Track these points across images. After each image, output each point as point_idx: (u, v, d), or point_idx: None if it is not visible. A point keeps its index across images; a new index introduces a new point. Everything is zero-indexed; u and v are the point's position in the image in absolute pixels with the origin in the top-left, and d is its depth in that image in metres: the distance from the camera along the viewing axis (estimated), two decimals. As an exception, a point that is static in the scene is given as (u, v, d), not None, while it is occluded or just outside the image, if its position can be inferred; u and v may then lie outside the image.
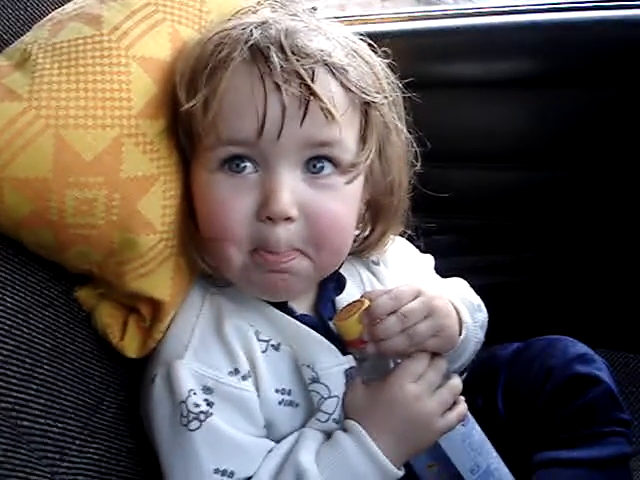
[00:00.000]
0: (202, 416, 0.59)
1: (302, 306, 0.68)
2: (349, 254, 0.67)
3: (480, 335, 0.72)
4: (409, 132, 0.68)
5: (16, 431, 0.53)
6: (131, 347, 0.64)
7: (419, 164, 0.70)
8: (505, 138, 1.04)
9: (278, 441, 0.63)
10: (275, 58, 0.56)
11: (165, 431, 0.60)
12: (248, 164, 0.59)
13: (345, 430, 0.63)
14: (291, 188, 0.58)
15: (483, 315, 0.74)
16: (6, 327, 0.56)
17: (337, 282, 0.69)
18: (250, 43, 0.57)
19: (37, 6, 0.69)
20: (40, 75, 0.56)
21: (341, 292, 0.69)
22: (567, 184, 1.03)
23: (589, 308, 1.03)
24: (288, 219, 0.58)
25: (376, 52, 0.66)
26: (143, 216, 0.59)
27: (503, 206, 1.07)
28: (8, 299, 0.57)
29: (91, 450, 0.61)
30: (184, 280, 0.65)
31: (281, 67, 0.56)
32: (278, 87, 0.56)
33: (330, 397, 0.63)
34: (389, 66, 0.66)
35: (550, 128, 1.01)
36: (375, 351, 0.62)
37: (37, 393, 0.57)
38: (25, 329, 0.58)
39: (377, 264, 0.74)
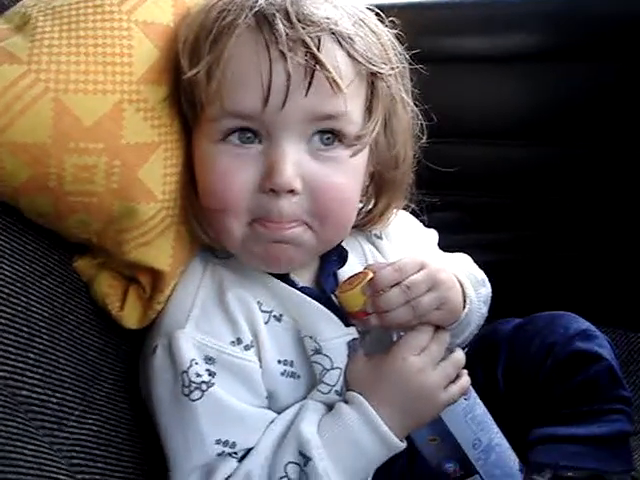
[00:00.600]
0: (204, 386, 0.59)
1: (304, 278, 0.67)
2: (352, 227, 0.66)
3: (484, 310, 0.71)
4: (415, 105, 0.68)
5: (14, 400, 0.53)
6: (131, 318, 0.64)
7: (424, 138, 0.69)
8: (510, 114, 1.03)
9: (279, 412, 0.63)
10: (280, 26, 0.55)
11: (166, 401, 0.60)
12: (252, 136, 0.59)
13: (347, 402, 0.62)
14: (295, 160, 0.58)
15: (487, 290, 0.73)
16: (4, 295, 0.55)
17: (339, 255, 0.69)
18: (255, 10, 0.56)
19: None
20: (40, 38, 0.55)
21: (343, 265, 0.69)
22: (571, 161, 1.02)
23: (591, 286, 1.03)
24: (291, 191, 0.58)
25: (383, 22, 0.65)
26: (144, 184, 0.59)
27: (506, 183, 1.07)
28: (6, 267, 0.57)
29: (90, 421, 0.60)
30: (185, 250, 0.65)
31: (286, 35, 0.55)
32: (283, 55, 0.55)
33: (332, 369, 0.63)
34: (396, 37, 0.65)
35: (554, 104, 1.00)
36: (378, 323, 0.62)
37: (35, 362, 0.56)
38: (23, 298, 0.57)
39: (380, 238, 0.74)
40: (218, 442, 0.59)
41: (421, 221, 0.78)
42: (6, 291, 0.56)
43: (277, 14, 0.56)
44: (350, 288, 0.62)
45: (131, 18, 0.58)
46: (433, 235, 0.80)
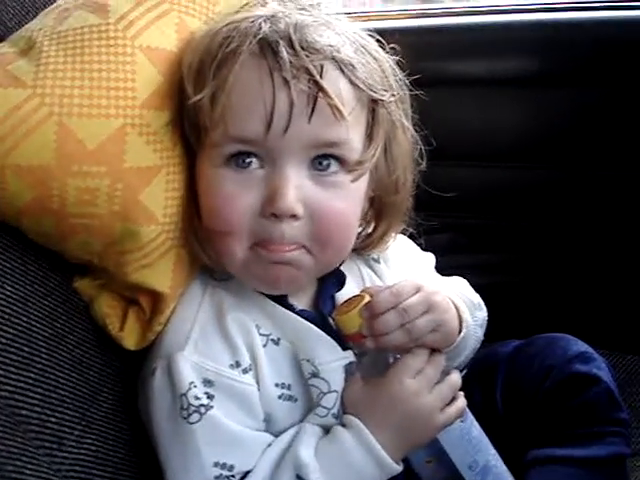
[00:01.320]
0: (202, 409, 0.59)
1: (301, 301, 0.67)
2: (351, 251, 0.67)
3: (479, 333, 0.72)
4: (414, 130, 0.68)
5: (13, 420, 0.53)
6: (130, 339, 0.64)
7: (423, 163, 0.70)
8: (506, 137, 1.04)
9: (277, 435, 0.63)
10: (284, 53, 0.56)
11: (164, 424, 0.60)
12: (254, 160, 0.59)
13: (344, 425, 0.63)
14: (297, 185, 0.58)
15: (483, 314, 0.74)
16: (5, 315, 0.56)
17: (337, 278, 0.69)
18: (259, 37, 0.57)
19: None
20: (45, 63, 0.56)
21: (341, 288, 0.69)
22: (568, 184, 1.03)
23: (588, 308, 1.03)
24: (293, 216, 0.58)
25: (384, 48, 0.66)
26: (145, 207, 0.59)
27: (502, 205, 1.07)
28: (8, 287, 0.57)
29: (88, 440, 0.60)
30: (185, 273, 0.65)
31: (290, 62, 0.56)
32: (287, 82, 0.56)
33: (329, 392, 0.63)
34: (396, 62, 0.66)
35: (551, 128, 1.01)
36: (374, 346, 0.62)
37: (35, 382, 0.56)
38: (24, 318, 0.58)
39: (377, 262, 0.74)
40: (216, 465, 0.59)
41: (418, 244, 0.79)
42: (7, 311, 0.56)
43: (281, 41, 0.57)
44: (347, 311, 0.63)
45: (135, 44, 0.59)
46: (430, 259, 0.81)
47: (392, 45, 0.66)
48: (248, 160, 0.59)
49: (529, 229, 1.07)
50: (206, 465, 0.59)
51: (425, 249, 0.80)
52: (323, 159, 0.59)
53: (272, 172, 0.59)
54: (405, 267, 0.75)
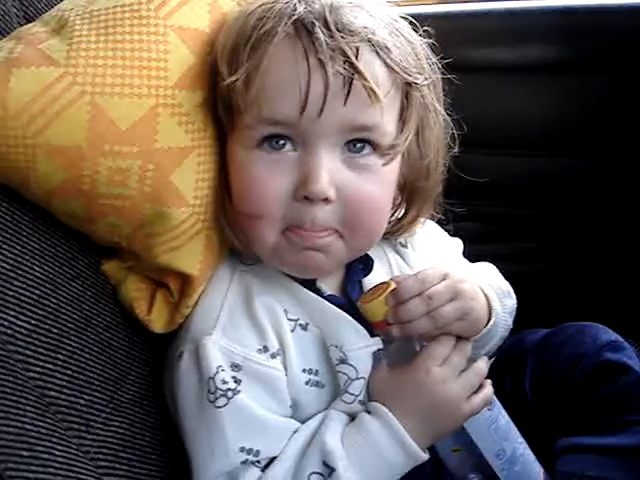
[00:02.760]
0: (230, 393, 0.59)
1: (330, 286, 0.67)
2: (390, 234, 0.67)
3: (509, 321, 0.71)
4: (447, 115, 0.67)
5: (43, 401, 0.53)
6: (158, 322, 0.64)
7: (455, 148, 0.69)
8: (535, 125, 1.03)
9: (303, 421, 0.63)
10: (320, 34, 0.55)
11: (191, 407, 0.60)
12: (287, 142, 0.59)
13: (370, 412, 0.62)
14: (329, 169, 0.58)
15: (512, 301, 0.73)
16: (35, 297, 0.56)
17: (365, 264, 0.69)
18: (294, 18, 0.56)
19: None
20: (78, 42, 0.56)
21: (368, 274, 0.69)
22: (597, 172, 1.02)
23: (617, 298, 1.02)
24: (325, 200, 0.58)
25: (417, 32, 0.64)
26: (176, 188, 0.59)
27: (531, 194, 1.06)
28: (37, 269, 0.57)
29: (116, 423, 0.60)
30: (214, 255, 0.64)
31: (326, 44, 0.55)
32: (322, 64, 0.55)
33: (357, 379, 0.63)
34: (429, 47, 0.65)
35: (579, 115, 1.00)
36: (400, 333, 0.62)
37: (64, 364, 0.57)
38: (53, 299, 0.58)
39: (405, 247, 0.74)
40: (242, 450, 0.59)
41: (446, 230, 0.78)
42: (37, 292, 0.56)
43: (316, 22, 0.56)
44: (373, 298, 0.62)
45: (167, 23, 0.58)
46: (458, 244, 0.80)
47: (426, 28, 0.65)
48: (281, 142, 0.58)
49: (558, 217, 1.06)
50: (232, 450, 0.58)
51: (453, 236, 0.79)
52: (357, 142, 0.59)
53: (305, 155, 0.58)
54: (433, 253, 0.75)
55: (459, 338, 0.64)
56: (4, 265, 0.54)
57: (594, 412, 0.69)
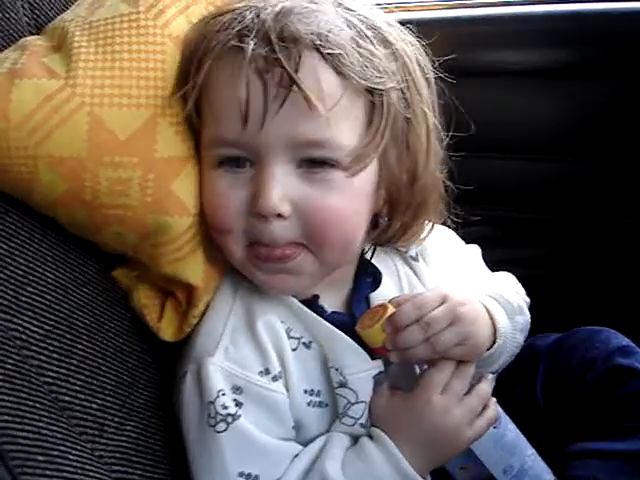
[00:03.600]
0: (229, 418, 0.58)
1: (335, 301, 0.66)
2: (381, 246, 0.66)
3: (519, 338, 0.69)
4: (448, 120, 0.65)
5: (57, 406, 0.54)
6: (168, 331, 0.65)
7: (458, 153, 0.67)
8: (543, 129, 1.01)
9: (306, 442, 0.63)
10: (258, 46, 0.54)
11: (192, 429, 0.60)
12: (244, 163, 0.58)
13: (371, 438, 0.62)
14: (283, 184, 0.56)
15: (524, 317, 0.70)
16: (47, 302, 0.57)
17: (373, 277, 0.68)
18: (236, 29, 0.56)
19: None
20: (77, 53, 0.56)
21: (376, 288, 0.68)
22: (605, 176, 1.00)
23: (627, 302, 0.99)
24: (279, 216, 0.57)
25: (420, 39, 0.63)
26: (177, 197, 0.59)
27: (539, 198, 1.05)
28: (49, 275, 0.58)
29: (128, 428, 0.61)
30: (217, 266, 0.64)
31: (263, 55, 0.54)
32: (260, 76, 0.54)
33: (357, 402, 0.62)
34: (425, 51, 0.63)
35: (587, 119, 0.99)
36: (398, 359, 0.61)
37: (77, 369, 0.57)
38: (65, 305, 0.59)
39: (416, 260, 0.72)
40: (241, 475, 0.59)
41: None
42: (49, 298, 0.57)
43: (257, 33, 0.54)
44: (371, 324, 0.61)
45: (165, 32, 0.59)
46: (475, 252, 0.78)
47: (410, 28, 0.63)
48: (238, 163, 0.58)
49: (567, 222, 1.04)
50: (231, 474, 0.59)
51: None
52: (311, 162, 0.57)
53: (258, 171, 0.57)
54: (446, 265, 0.73)
55: (461, 361, 0.63)
56: (17, 272, 0.55)
57: (605, 417, 0.68)
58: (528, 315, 0.71)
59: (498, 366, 0.68)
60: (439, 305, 0.61)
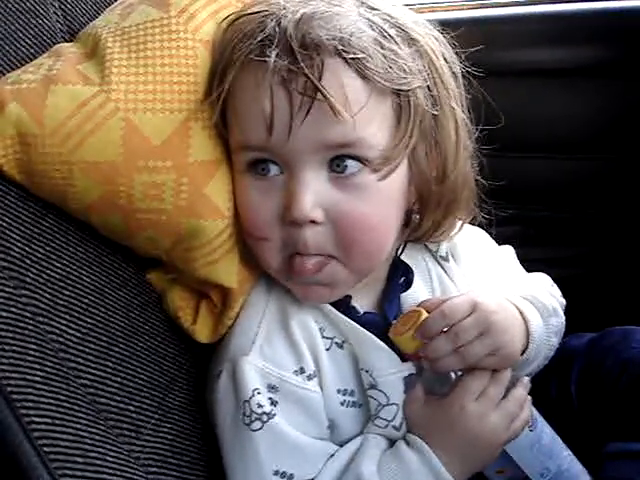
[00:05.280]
0: (265, 417, 0.59)
1: (367, 301, 0.66)
2: (410, 242, 0.66)
3: (554, 342, 0.68)
4: (478, 116, 0.65)
5: (95, 408, 0.55)
6: (202, 332, 0.65)
7: (488, 148, 0.66)
8: (576, 128, 1.00)
9: (341, 442, 0.63)
10: (281, 54, 0.54)
11: (227, 429, 0.60)
12: (273, 166, 0.58)
13: (408, 443, 0.61)
14: (315, 190, 0.56)
15: (559, 320, 0.69)
16: (84, 305, 0.58)
17: (405, 277, 0.67)
18: (258, 38, 0.55)
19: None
20: (110, 59, 0.57)
21: (408, 288, 0.67)
22: (637, 174, 0.98)
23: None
24: (313, 222, 0.56)
25: (449, 36, 0.62)
26: (210, 200, 0.59)
27: (572, 197, 1.04)
28: (85, 278, 0.59)
29: (164, 429, 0.61)
30: (251, 268, 0.64)
31: (287, 64, 0.54)
32: (284, 85, 0.54)
33: (388, 404, 0.62)
34: (455, 52, 0.63)
35: (619, 118, 0.97)
36: (430, 368, 0.61)
37: (113, 371, 0.58)
38: (102, 308, 0.59)
39: (446, 260, 0.72)
40: (276, 473, 0.59)
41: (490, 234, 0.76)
42: (86, 301, 0.58)
43: (279, 43, 0.54)
44: (403, 331, 0.61)
45: (196, 37, 0.59)
46: (509, 252, 0.77)
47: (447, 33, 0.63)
48: (268, 167, 0.58)
49: (600, 220, 1.03)
50: (266, 473, 0.58)
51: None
52: (340, 160, 0.56)
53: (289, 178, 0.57)
54: (477, 265, 0.73)
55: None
56: (54, 275, 0.56)
57: None
58: (563, 317, 0.70)
59: (531, 369, 0.67)
60: (469, 314, 0.60)
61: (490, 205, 0.70)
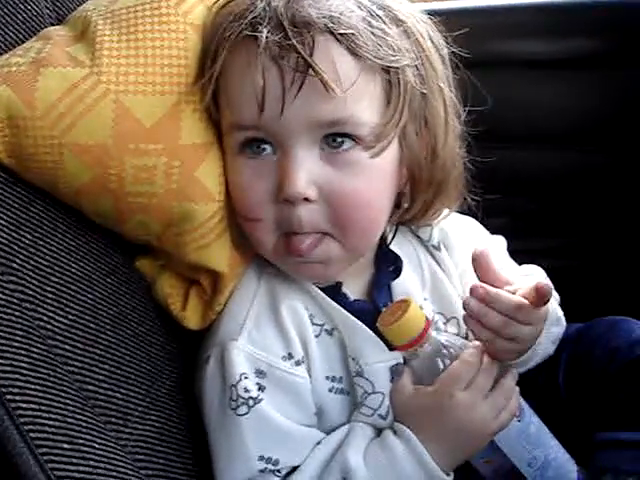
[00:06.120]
0: (251, 402, 0.59)
1: (357, 289, 0.67)
2: (402, 224, 0.66)
3: (550, 349, 0.68)
4: (465, 100, 0.65)
5: (82, 395, 0.54)
6: (192, 319, 0.65)
7: (481, 143, 0.66)
8: (563, 119, 1.00)
9: (328, 430, 0.63)
10: (272, 32, 0.54)
11: (214, 413, 0.60)
12: (266, 146, 0.58)
13: (395, 432, 0.61)
14: (308, 168, 0.57)
15: (559, 329, 0.69)
16: (72, 292, 0.57)
17: (394, 265, 0.67)
18: (249, 18, 0.56)
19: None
20: (100, 41, 0.57)
21: (398, 276, 0.68)
22: (627, 168, 0.98)
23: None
24: (306, 200, 0.57)
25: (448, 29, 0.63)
26: (202, 183, 0.59)
27: (559, 189, 1.04)
28: (73, 265, 0.58)
29: (152, 417, 0.61)
30: (243, 252, 0.64)
31: (277, 42, 0.54)
32: (275, 62, 0.54)
33: (374, 393, 0.62)
34: (445, 40, 0.63)
35: (608, 110, 0.97)
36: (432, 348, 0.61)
37: (101, 358, 0.58)
38: (90, 295, 0.59)
39: (438, 249, 0.72)
40: (261, 459, 0.59)
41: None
42: (74, 288, 0.57)
43: (270, 20, 0.55)
44: (392, 320, 0.61)
45: (187, 20, 0.59)
46: (501, 242, 0.77)
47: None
48: (262, 147, 0.58)
49: (587, 213, 1.03)
50: (251, 457, 0.59)
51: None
52: (335, 136, 0.57)
53: (282, 157, 0.57)
54: (469, 255, 0.71)
55: (488, 357, 0.62)
56: (42, 262, 0.55)
57: (630, 407, 0.67)
58: (563, 327, 0.70)
59: (521, 371, 0.67)
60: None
61: (479, 196, 0.70)
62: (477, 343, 0.63)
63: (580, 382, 0.72)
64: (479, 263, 0.62)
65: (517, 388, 0.64)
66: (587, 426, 0.70)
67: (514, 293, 0.61)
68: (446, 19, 0.64)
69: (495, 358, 0.63)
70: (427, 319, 0.62)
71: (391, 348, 0.63)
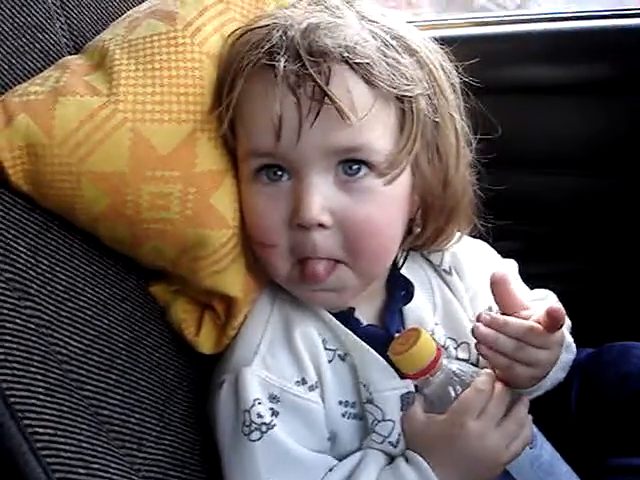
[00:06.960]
0: (264, 427, 0.58)
1: (369, 314, 0.67)
2: (414, 250, 0.66)
3: (560, 376, 0.68)
4: (475, 127, 0.66)
5: (97, 419, 0.54)
6: (206, 343, 0.65)
7: (491, 168, 0.67)
8: (575, 144, 1.01)
9: (340, 457, 0.62)
10: (289, 62, 0.55)
11: (227, 438, 0.60)
12: (281, 172, 0.59)
13: (407, 459, 0.61)
14: (322, 194, 0.57)
15: (570, 356, 0.69)
16: (87, 317, 0.58)
17: (405, 290, 0.68)
18: (266, 48, 0.57)
19: (118, 5, 0.72)
20: (118, 71, 0.58)
21: (409, 301, 0.68)
22: (637, 192, 0.99)
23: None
24: (321, 226, 0.57)
25: (452, 55, 0.64)
26: (216, 210, 0.60)
27: (574, 214, 1.04)
28: (89, 290, 0.59)
29: (166, 441, 0.61)
30: (256, 277, 0.65)
31: (294, 71, 0.55)
32: (292, 91, 0.55)
33: (384, 420, 0.62)
34: (455, 67, 0.64)
35: (619, 135, 0.98)
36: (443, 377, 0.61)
37: (116, 383, 0.58)
38: (105, 320, 0.59)
39: (449, 274, 0.72)
40: None
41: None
42: (89, 313, 0.58)
43: (287, 51, 0.56)
44: (402, 350, 0.60)
45: (202, 50, 0.60)
46: (512, 266, 0.77)
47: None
48: (276, 173, 0.59)
49: (600, 237, 1.03)
50: None
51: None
52: (351, 163, 0.58)
53: (297, 182, 0.58)
54: (480, 279, 0.72)
55: (501, 384, 0.62)
56: (58, 287, 0.56)
57: None
58: (574, 353, 0.70)
59: (531, 397, 0.66)
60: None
61: (493, 220, 0.70)
62: (489, 371, 0.63)
63: (592, 408, 0.71)
64: (497, 287, 0.63)
65: (530, 416, 0.64)
66: (599, 451, 0.69)
67: (528, 318, 0.61)
68: (450, 47, 0.65)
69: (512, 385, 0.62)
70: (438, 348, 0.61)
71: (402, 376, 0.63)
